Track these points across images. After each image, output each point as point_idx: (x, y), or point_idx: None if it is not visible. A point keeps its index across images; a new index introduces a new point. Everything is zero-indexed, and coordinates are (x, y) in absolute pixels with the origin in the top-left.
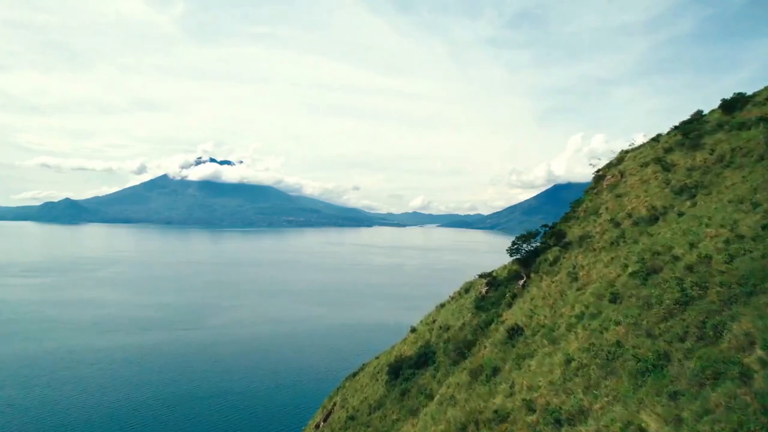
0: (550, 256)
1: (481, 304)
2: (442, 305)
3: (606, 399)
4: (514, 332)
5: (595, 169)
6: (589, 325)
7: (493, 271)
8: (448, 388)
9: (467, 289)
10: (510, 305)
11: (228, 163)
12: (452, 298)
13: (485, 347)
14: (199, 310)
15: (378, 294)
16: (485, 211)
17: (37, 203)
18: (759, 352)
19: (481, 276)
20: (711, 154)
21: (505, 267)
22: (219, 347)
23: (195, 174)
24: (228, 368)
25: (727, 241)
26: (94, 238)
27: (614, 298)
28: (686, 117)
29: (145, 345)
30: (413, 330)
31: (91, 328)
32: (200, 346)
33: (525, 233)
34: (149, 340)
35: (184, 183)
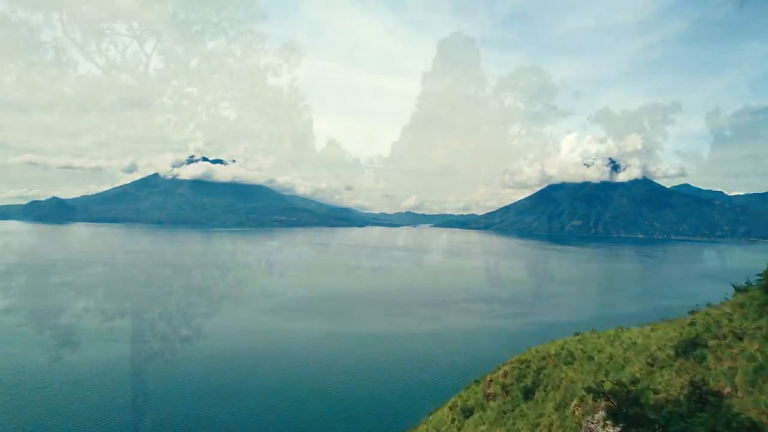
0: None
1: None
2: (468, 412)
3: None
4: None
5: None
6: None
7: (635, 383)
8: None
9: (528, 389)
10: None
11: (220, 162)
12: (488, 395)
13: None
14: (168, 317)
15: (366, 298)
16: (478, 211)
17: (24, 202)
18: None
19: (589, 391)
20: None
21: (659, 367)
22: (182, 365)
23: (186, 173)
24: (193, 391)
25: None
26: (77, 238)
27: None
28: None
29: (100, 362)
30: None
31: (46, 341)
32: (162, 363)
33: None
34: (107, 356)
35: (175, 182)
